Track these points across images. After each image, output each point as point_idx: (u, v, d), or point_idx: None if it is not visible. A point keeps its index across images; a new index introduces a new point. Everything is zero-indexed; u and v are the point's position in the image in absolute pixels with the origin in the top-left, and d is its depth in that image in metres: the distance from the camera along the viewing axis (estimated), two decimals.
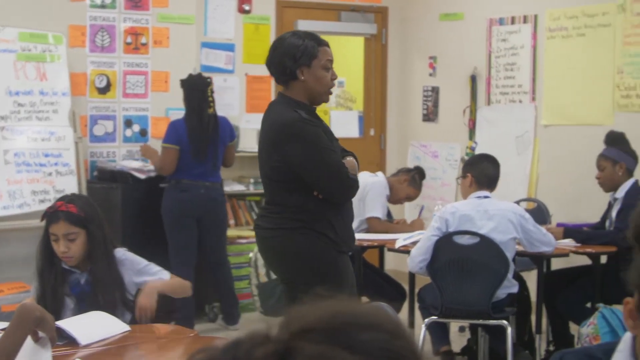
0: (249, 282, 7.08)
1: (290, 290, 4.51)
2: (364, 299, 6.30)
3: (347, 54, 10.08)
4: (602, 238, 6.00)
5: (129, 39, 7.77)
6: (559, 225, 6.47)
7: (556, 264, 6.70)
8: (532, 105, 8.14)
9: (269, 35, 8.70)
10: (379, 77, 9.42)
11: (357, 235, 6.50)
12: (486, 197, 5.60)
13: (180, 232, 7.07)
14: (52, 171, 7.21)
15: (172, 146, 7.06)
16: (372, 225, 6.67)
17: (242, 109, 8.50)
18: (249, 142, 8.22)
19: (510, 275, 5.51)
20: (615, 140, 6.19)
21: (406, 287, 6.51)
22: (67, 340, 3.42)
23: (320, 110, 9.27)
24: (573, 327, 6.17)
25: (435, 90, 9.08)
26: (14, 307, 4.49)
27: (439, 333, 6.01)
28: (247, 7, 8.56)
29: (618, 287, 2.25)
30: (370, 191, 6.67)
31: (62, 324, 3.46)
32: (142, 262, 4.12)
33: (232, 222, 8.14)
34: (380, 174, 6.98)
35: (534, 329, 6.16)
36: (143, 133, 7.85)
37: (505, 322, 5.57)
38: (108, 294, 3.92)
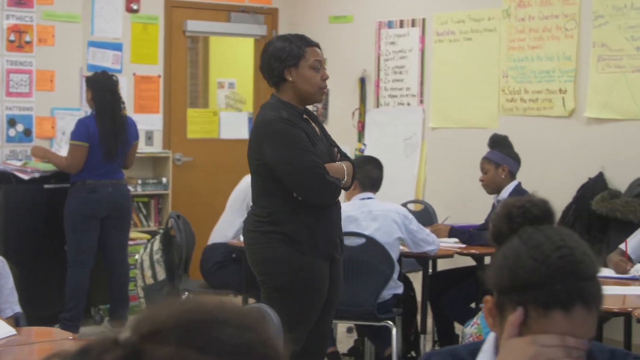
0: (135, 285, 7.00)
1: (265, 294, 4.46)
2: (251, 300, 6.28)
3: (237, 55, 10.06)
4: (484, 239, 6.09)
5: (12, 37, 7.59)
6: None
7: (442, 265, 6.78)
8: (420, 108, 8.23)
9: (158, 35, 8.62)
10: None
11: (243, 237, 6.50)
12: (369, 198, 5.65)
13: (84, 233, 6.95)
14: None
15: (82, 143, 6.94)
16: None
17: (130, 109, 8.38)
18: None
19: (395, 275, 5.56)
20: (499, 143, 6.29)
21: None
22: None
23: (209, 111, 9.33)
24: (458, 327, 6.24)
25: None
26: None
27: None
28: (135, 7, 8.45)
29: None
30: None
31: None
32: (9, 283, 4.04)
33: None
34: None
35: (419, 329, 6.21)
36: (27, 133, 7.68)
37: (390, 322, 5.61)
38: None
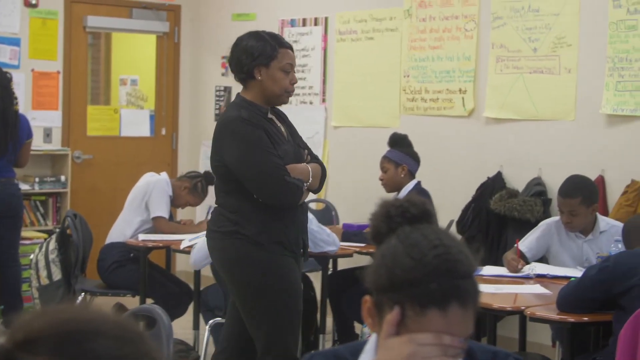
0: (30, 285, 6.85)
1: (233, 293, 4.39)
2: (149, 300, 6.20)
3: (138, 52, 9.95)
4: None
5: None
6: (344, 226, 6.54)
7: (342, 265, 6.79)
8: (322, 106, 8.23)
9: (57, 31, 8.46)
10: (171, 75, 9.31)
11: (141, 236, 6.43)
12: None
13: None
14: None
15: None
16: (158, 225, 6.57)
17: (27, 106, 8.22)
18: (34, 140, 7.96)
19: None
20: (398, 142, 6.32)
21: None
22: None
23: (110, 108, 9.20)
24: (358, 327, 6.25)
25: (227, 90, 9.05)
26: None
27: None
28: (33, 1, 8.29)
29: None
30: (154, 191, 6.60)
31: None
32: None
33: None
34: (164, 174, 6.88)
35: (319, 328, 6.21)
36: None
37: None
38: None
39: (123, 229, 6.61)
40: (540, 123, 6.80)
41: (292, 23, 8.47)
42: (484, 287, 4.69)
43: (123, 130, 9.01)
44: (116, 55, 10.24)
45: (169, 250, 6.84)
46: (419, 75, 7.50)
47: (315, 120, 8.26)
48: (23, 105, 8.12)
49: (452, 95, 7.30)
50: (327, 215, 7.14)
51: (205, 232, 6.04)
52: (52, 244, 6.61)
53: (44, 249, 6.62)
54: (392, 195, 6.27)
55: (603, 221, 5.46)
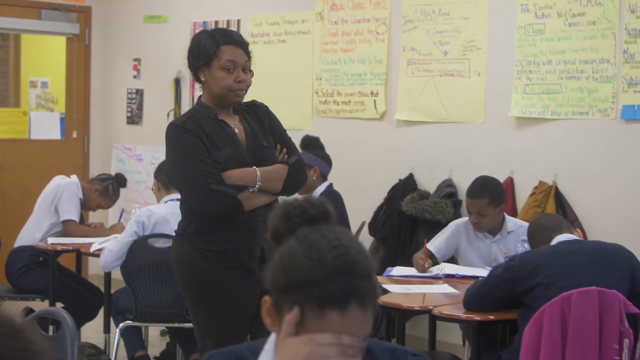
0: None
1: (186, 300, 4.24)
2: (59, 304, 6.13)
3: (49, 54, 9.81)
4: None
5: None
6: None
7: None
8: None
9: None
10: (82, 78, 9.20)
11: (50, 240, 6.35)
12: (179, 199, 5.58)
13: None
14: None
15: None
16: (68, 228, 6.50)
17: None
18: None
19: None
20: (310, 145, 6.33)
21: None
22: None
23: (19, 111, 9.05)
24: None
25: (139, 93, 8.98)
26: None
27: (134, 338, 5.91)
28: None
29: None
30: (64, 193, 6.52)
31: None
32: None
33: None
34: (74, 176, 6.80)
35: None
36: None
37: None
38: None
39: (32, 232, 6.51)
40: (451, 125, 6.88)
41: (205, 25, 8.44)
42: (393, 288, 4.76)
43: (33, 133, 8.88)
44: (26, 57, 10.08)
45: (80, 254, 6.76)
46: (331, 78, 7.54)
47: None
48: None
49: (364, 98, 7.35)
50: None
51: (115, 235, 6.03)
52: None
53: None
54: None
55: (511, 221, 5.54)
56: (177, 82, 8.61)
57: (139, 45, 8.98)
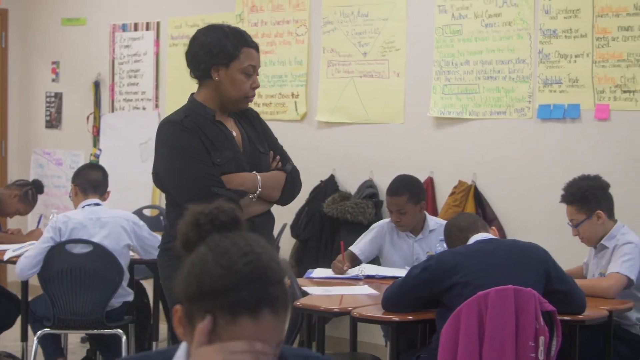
0: None
1: None
2: None
3: None
4: None
5: None
6: None
7: None
8: (155, 112, 8.16)
9: None
10: None
11: None
12: (97, 204, 5.56)
13: None
14: None
15: None
16: None
17: None
18: None
19: (125, 283, 5.48)
20: None
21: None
22: None
23: None
24: None
25: (58, 96, 8.87)
26: None
27: (52, 345, 5.82)
28: None
29: None
30: None
31: None
32: None
33: None
34: None
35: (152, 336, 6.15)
36: None
37: (120, 331, 5.52)
38: None
39: None
40: (371, 126, 6.91)
41: (124, 28, 8.37)
42: (313, 290, 4.76)
43: None
44: None
45: None
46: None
47: (148, 126, 8.15)
48: None
49: (284, 99, 7.35)
50: (156, 222, 7.08)
51: (32, 242, 5.93)
52: None
53: None
54: None
55: (432, 220, 5.59)
56: (97, 85, 8.52)
57: (57, 48, 8.86)
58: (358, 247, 5.58)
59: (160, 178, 3.80)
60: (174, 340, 5.26)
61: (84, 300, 5.38)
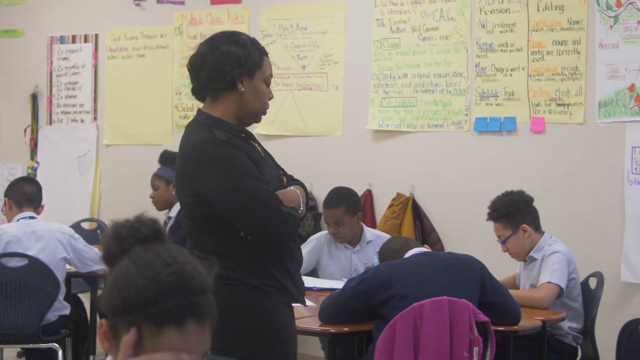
0: None
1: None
2: None
3: None
4: None
5: None
6: None
7: None
8: (94, 124, 8.11)
9: None
10: None
11: None
12: (32, 217, 5.51)
13: None
14: None
15: None
16: None
17: None
18: None
19: (61, 296, 5.44)
20: (169, 160, 6.27)
21: None
22: None
23: None
24: None
25: None
26: None
27: None
28: None
29: None
30: None
31: None
32: None
33: None
34: None
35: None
36: None
37: (56, 345, 5.47)
38: None
39: None
40: (310, 139, 6.93)
41: (62, 40, 8.31)
42: None
43: None
44: None
45: None
46: (190, 92, 7.48)
47: (87, 139, 8.13)
48: None
49: None
50: (94, 235, 7.03)
51: None
52: None
53: None
54: (162, 213, 6.24)
55: (369, 232, 5.63)
56: (34, 98, 8.44)
57: None
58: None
59: (200, 205, 3.32)
60: None
61: (19, 314, 5.31)
